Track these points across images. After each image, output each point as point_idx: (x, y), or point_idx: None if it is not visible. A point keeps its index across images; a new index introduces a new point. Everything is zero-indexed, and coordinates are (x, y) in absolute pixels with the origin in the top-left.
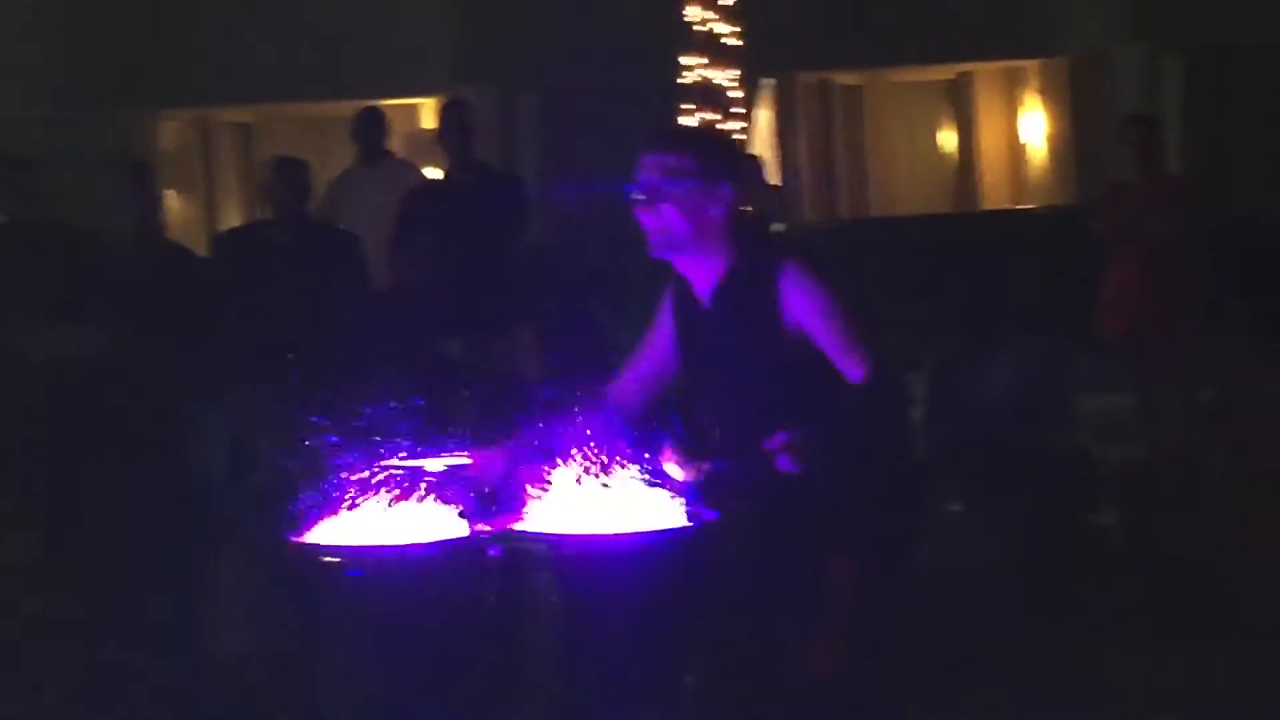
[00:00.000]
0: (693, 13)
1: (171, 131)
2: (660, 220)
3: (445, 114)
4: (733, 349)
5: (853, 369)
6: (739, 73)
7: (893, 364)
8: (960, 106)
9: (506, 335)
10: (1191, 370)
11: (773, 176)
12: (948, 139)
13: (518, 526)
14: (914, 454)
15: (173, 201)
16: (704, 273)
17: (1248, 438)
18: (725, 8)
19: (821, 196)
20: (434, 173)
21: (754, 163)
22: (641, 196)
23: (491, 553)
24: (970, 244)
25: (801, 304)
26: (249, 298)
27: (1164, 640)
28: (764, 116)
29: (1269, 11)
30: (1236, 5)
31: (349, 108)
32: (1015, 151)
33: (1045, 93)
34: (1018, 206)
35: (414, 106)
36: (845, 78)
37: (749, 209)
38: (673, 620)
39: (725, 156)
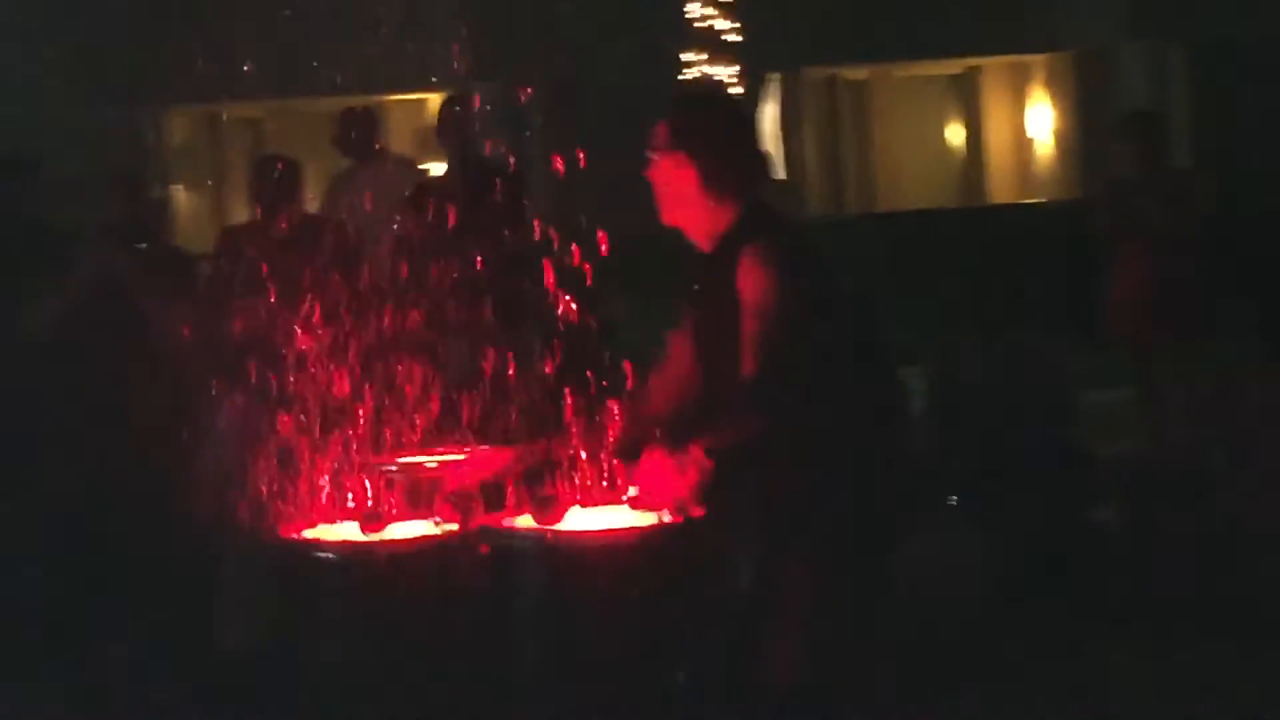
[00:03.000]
0: (693, 9)
1: (181, 127)
2: (661, 181)
3: (444, 111)
4: (709, 329)
5: (750, 371)
6: (738, 69)
7: (797, 411)
8: (966, 101)
9: (506, 334)
10: (1192, 366)
11: (779, 171)
12: (954, 133)
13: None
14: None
15: (182, 196)
16: (704, 245)
17: (1248, 434)
18: (726, 4)
19: (828, 191)
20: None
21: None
22: (649, 156)
23: (481, 548)
24: (976, 239)
25: (746, 287)
26: (249, 292)
27: (1164, 637)
28: (770, 112)
29: (1273, 6)
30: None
31: (358, 102)
32: (1022, 146)
33: (1051, 87)
34: (1024, 200)
35: (422, 101)
36: (851, 73)
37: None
38: (662, 616)
39: (730, 130)
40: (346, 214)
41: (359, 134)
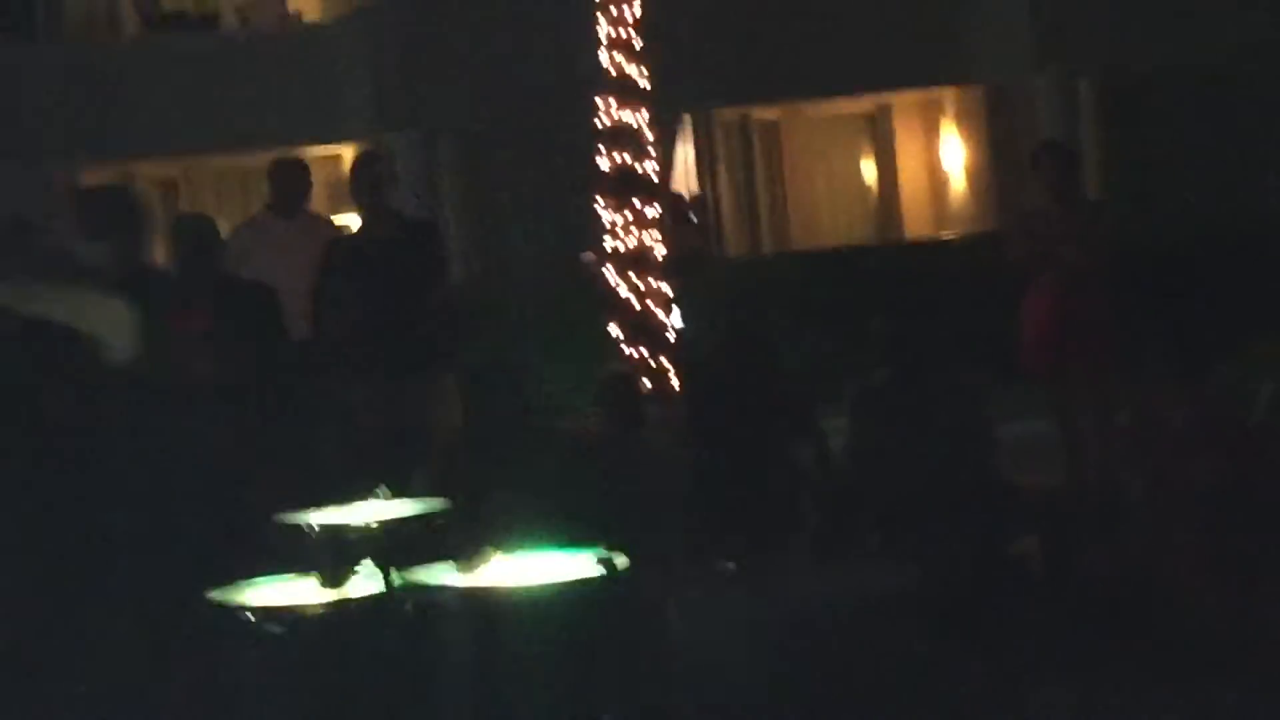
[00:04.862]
0: (604, 54)
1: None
2: None
3: (356, 167)
4: None
5: None
6: (649, 115)
7: None
8: (879, 138)
9: (425, 384)
10: (1108, 398)
11: (693, 213)
12: (868, 170)
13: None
14: None
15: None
16: None
17: (1164, 464)
18: (635, 49)
19: (743, 231)
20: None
21: (677, 200)
22: None
23: (408, 607)
24: (892, 275)
25: None
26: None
27: (1085, 668)
28: (683, 153)
29: (1179, 35)
30: (1146, 29)
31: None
32: (936, 181)
33: (962, 121)
34: (939, 235)
35: (336, 156)
36: (763, 112)
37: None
38: (586, 664)
39: None
40: (267, 267)
41: (290, 187)
